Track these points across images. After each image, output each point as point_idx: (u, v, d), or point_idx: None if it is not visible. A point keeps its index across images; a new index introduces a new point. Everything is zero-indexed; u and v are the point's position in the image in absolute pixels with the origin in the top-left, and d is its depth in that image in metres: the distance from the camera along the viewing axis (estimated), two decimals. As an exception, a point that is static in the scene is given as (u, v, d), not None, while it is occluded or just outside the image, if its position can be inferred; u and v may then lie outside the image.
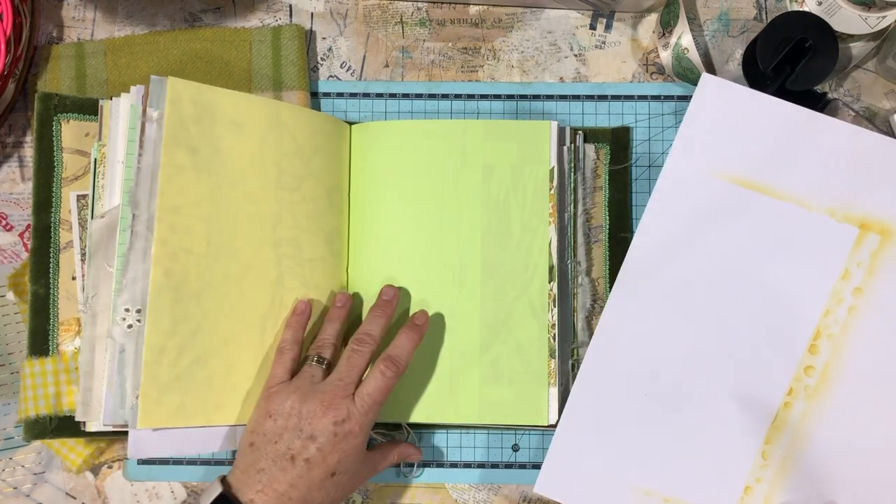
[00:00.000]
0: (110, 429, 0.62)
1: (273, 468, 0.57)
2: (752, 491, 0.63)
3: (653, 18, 0.74)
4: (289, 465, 0.56)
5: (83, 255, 0.67)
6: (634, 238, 0.66)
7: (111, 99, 0.65)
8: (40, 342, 0.67)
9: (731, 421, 0.64)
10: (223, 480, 0.58)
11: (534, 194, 0.68)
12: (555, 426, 0.66)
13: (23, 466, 0.70)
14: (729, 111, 0.63)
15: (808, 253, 0.62)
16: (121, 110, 0.64)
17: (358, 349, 0.61)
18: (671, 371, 0.64)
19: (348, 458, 0.58)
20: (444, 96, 0.73)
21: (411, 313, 0.67)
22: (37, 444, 0.70)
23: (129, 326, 0.60)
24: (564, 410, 0.66)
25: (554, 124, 0.68)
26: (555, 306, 0.67)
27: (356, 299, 0.68)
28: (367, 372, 0.62)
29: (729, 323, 0.64)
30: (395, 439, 0.68)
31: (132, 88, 0.63)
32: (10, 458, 0.70)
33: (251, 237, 0.64)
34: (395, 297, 0.65)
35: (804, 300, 0.62)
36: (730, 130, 0.62)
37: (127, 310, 0.60)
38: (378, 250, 0.69)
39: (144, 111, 0.61)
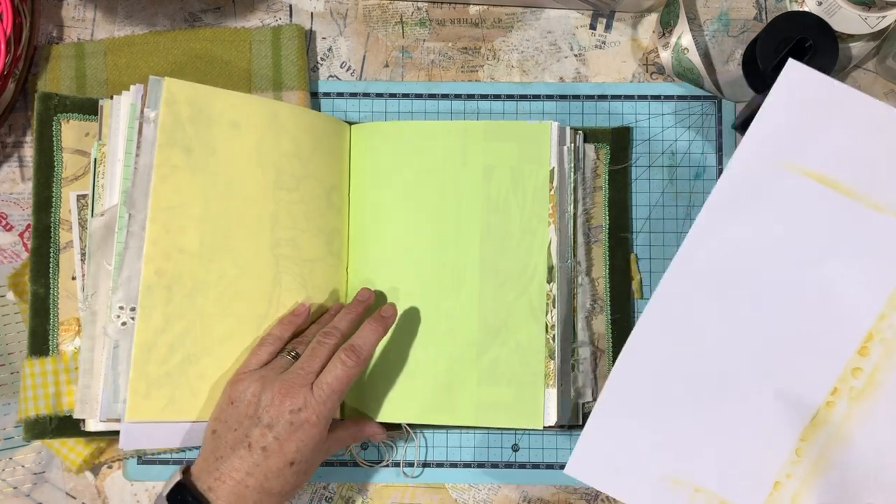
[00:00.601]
0: (108, 427, 0.62)
1: (232, 456, 0.56)
2: (782, 486, 0.62)
3: (653, 18, 0.74)
4: (246, 452, 0.56)
5: (83, 254, 0.67)
6: (694, 225, 0.62)
7: (111, 98, 0.65)
8: (40, 342, 0.67)
9: (768, 415, 0.62)
10: (187, 468, 0.58)
11: (534, 195, 0.68)
12: (554, 427, 0.67)
13: (23, 466, 0.70)
14: (811, 101, 0.60)
15: (871, 254, 0.61)
16: (121, 109, 0.64)
17: (323, 341, 0.61)
18: (714, 360, 0.62)
19: (307, 447, 0.57)
20: (444, 96, 0.73)
21: (409, 313, 0.67)
22: (37, 443, 0.70)
23: (123, 324, 0.61)
24: (601, 392, 0.63)
25: (554, 125, 0.68)
26: (554, 307, 0.67)
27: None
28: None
29: (779, 316, 0.62)
30: (355, 418, 0.67)
31: (132, 87, 0.63)
32: (10, 458, 0.70)
33: (248, 237, 0.64)
34: (369, 299, 0.66)
35: (861, 301, 0.61)
36: (809, 121, 0.60)
37: (121, 307, 0.61)
38: (377, 251, 0.69)
39: (142, 111, 0.61)
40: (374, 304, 0.67)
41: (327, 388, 0.58)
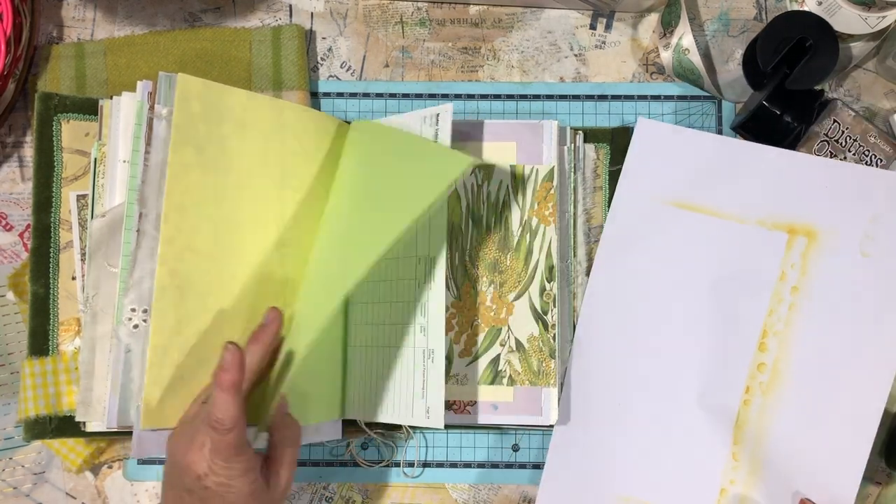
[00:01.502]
0: (108, 428, 0.62)
1: None
2: (727, 493, 0.67)
3: (653, 18, 0.74)
4: None
5: (83, 254, 0.67)
6: (595, 260, 0.69)
7: (111, 98, 0.65)
8: (40, 342, 0.67)
9: (700, 425, 0.67)
10: None
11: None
12: (554, 427, 0.67)
13: (23, 466, 0.70)
14: (663, 146, 0.70)
15: (748, 260, 0.68)
16: (122, 109, 0.64)
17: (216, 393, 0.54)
18: (640, 381, 0.68)
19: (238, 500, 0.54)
20: (444, 96, 0.73)
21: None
22: (37, 444, 0.70)
23: (136, 327, 0.60)
24: (554, 429, 0.68)
25: (554, 123, 0.68)
26: (555, 306, 0.67)
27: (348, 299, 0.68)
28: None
29: (688, 332, 0.68)
30: (273, 433, 0.59)
31: (138, 84, 0.62)
32: (10, 458, 0.70)
33: (257, 237, 0.64)
34: (273, 322, 0.60)
35: (751, 304, 0.68)
36: (665, 161, 0.69)
37: (133, 310, 0.60)
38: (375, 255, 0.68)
39: (152, 108, 0.61)
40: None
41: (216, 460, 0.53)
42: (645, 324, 0.68)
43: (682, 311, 0.68)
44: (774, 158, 0.68)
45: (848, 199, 0.67)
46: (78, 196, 0.68)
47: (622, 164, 0.71)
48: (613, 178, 0.71)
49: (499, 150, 0.69)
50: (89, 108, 0.69)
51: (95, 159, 0.65)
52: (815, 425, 0.67)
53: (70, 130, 0.69)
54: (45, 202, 0.68)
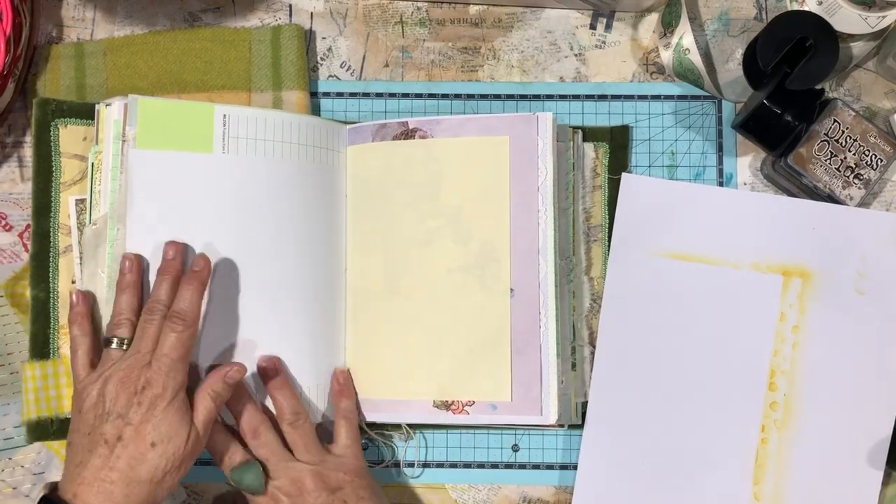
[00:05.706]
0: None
1: (91, 457, 0.56)
2: None
3: (653, 18, 0.74)
4: (104, 449, 0.55)
5: (82, 259, 0.67)
6: (601, 319, 0.70)
7: (106, 106, 0.65)
8: (41, 346, 0.67)
9: (720, 469, 0.69)
10: (55, 485, 0.57)
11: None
12: (554, 426, 0.67)
13: (22, 467, 0.70)
14: (649, 200, 0.71)
15: (747, 305, 0.70)
16: (114, 116, 0.65)
17: (149, 318, 0.59)
18: (659, 432, 0.69)
19: (163, 422, 0.56)
20: (444, 96, 0.73)
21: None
22: (36, 444, 0.70)
23: None
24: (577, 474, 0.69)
25: (549, 115, 0.66)
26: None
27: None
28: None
29: (698, 380, 0.69)
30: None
31: (115, 103, 0.64)
32: (10, 459, 0.70)
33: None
34: (178, 255, 0.62)
35: (755, 346, 0.70)
36: (653, 215, 0.70)
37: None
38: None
39: (124, 129, 0.63)
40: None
41: (166, 360, 0.57)
42: (654, 376, 0.69)
43: (692, 360, 0.69)
44: (760, 203, 0.70)
45: (837, 240, 0.69)
46: (77, 200, 0.68)
47: (622, 164, 0.71)
48: (613, 184, 0.71)
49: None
50: (87, 113, 0.69)
51: (93, 164, 0.65)
52: (831, 458, 0.68)
53: (68, 135, 0.68)
54: (44, 207, 0.68)
